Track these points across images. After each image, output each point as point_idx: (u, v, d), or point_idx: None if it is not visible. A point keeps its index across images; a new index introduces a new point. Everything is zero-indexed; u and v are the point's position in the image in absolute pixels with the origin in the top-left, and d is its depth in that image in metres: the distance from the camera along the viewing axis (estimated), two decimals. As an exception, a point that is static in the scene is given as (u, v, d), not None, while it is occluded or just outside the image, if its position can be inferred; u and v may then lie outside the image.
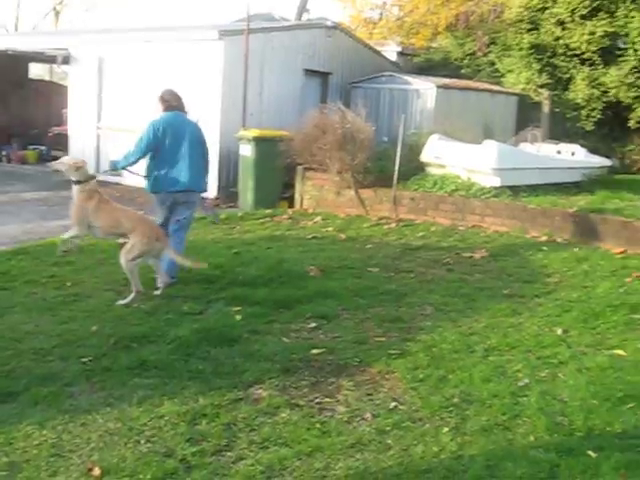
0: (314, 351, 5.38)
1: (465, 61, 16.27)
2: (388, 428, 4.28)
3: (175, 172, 6.97)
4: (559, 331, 6.03)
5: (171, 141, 6.94)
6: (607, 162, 13.00)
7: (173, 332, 5.54)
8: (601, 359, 5.41)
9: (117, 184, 12.10)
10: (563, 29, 14.77)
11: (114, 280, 7.01)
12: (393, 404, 4.62)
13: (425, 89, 13.43)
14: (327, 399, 4.66)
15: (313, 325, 6.01)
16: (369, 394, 4.76)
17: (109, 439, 4.00)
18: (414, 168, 11.37)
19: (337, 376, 5.01)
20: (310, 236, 9.60)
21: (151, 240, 6.55)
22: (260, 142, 11.42)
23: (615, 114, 15.01)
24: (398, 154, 10.72)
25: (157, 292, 6.71)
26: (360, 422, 4.36)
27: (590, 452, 4.04)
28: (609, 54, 14.85)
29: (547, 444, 4.16)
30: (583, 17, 14.55)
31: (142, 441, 3.98)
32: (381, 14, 23.60)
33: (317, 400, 4.64)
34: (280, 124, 12.53)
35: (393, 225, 10.25)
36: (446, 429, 4.29)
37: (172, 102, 7.12)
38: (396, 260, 8.39)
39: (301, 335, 5.79)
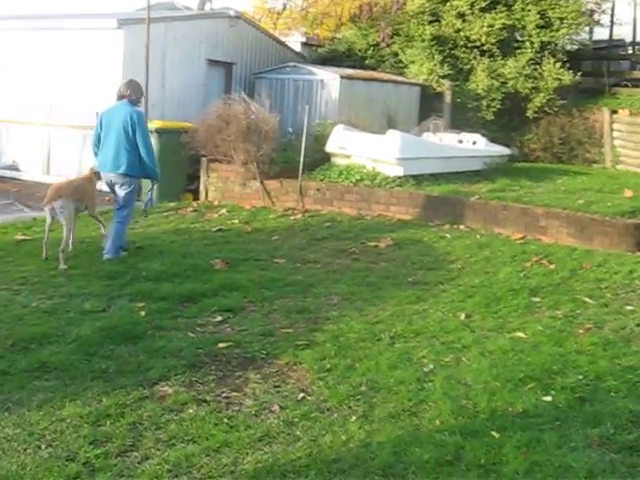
0: (220, 345, 5.32)
1: (369, 52, 16.37)
2: (296, 419, 4.27)
3: (102, 156, 7.83)
4: (462, 316, 6.17)
5: (104, 129, 7.79)
6: (507, 151, 13.38)
7: (74, 331, 5.37)
8: (503, 342, 5.57)
9: (15, 179, 11.63)
10: (463, 21, 15.09)
11: (10, 279, 6.73)
12: (301, 395, 4.61)
13: (329, 80, 13.46)
14: (234, 393, 4.61)
15: (219, 319, 5.95)
16: (277, 386, 4.74)
17: (7, 446, 3.82)
18: (319, 159, 11.40)
19: (244, 369, 4.97)
20: (215, 229, 9.48)
21: None
22: (163, 134, 11.19)
23: (514, 104, 15.45)
24: (303, 145, 10.73)
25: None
26: (268, 415, 4.33)
27: (494, 433, 4.15)
28: (507, 46, 15.29)
29: (452, 427, 4.24)
30: (482, 10, 14.92)
31: (43, 446, 3.83)
32: (285, 5, 23.51)
33: (224, 394, 4.58)
34: (183, 115, 12.32)
35: (299, 216, 10.25)
36: (354, 418, 4.32)
37: (119, 93, 7.91)
38: (302, 251, 8.40)
39: (207, 329, 5.72)
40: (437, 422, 4.32)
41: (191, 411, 4.29)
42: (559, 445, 4.06)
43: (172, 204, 10.95)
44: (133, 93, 7.88)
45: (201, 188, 11.71)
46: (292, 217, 10.35)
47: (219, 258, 7.67)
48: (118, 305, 6.13)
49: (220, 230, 9.41)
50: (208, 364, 5.01)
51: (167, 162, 11.21)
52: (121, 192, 7.83)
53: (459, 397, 4.64)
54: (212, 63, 13.92)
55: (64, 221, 7.40)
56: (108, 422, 4.10)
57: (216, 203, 11.35)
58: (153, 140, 11.11)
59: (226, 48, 14.25)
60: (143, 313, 5.90)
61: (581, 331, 5.92)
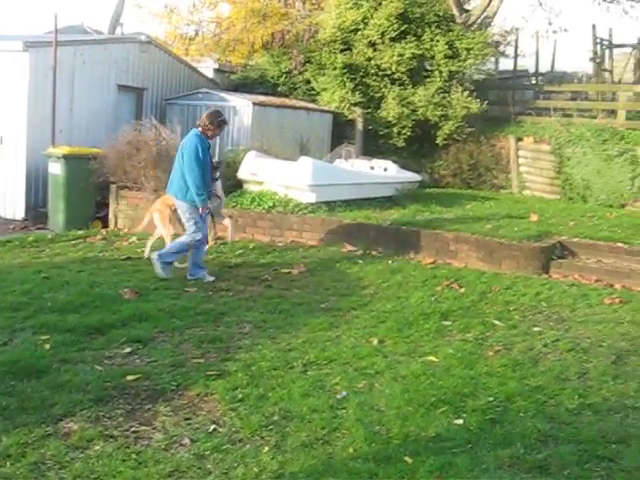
0: (129, 377, 5.15)
1: (281, 79, 16.47)
2: (207, 452, 4.17)
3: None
4: (375, 342, 6.19)
5: None
6: (417, 177, 13.63)
7: (-28, 367, 5.10)
8: (415, 366, 5.61)
9: None
10: (374, 50, 15.37)
11: None
12: (212, 427, 4.52)
13: (242, 106, 13.45)
14: (143, 427, 4.47)
15: (128, 350, 5.77)
16: (187, 418, 4.62)
17: None
18: (232, 185, 11.32)
19: (154, 402, 4.83)
20: (125, 257, 9.25)
21: None
22: (71, 160, 10.91)
23: (424, 131, 15.79)
24: (215, 171, 10.61)
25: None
26: (178, 448, 4.21)
27: (407, 458, 4.16)
28: (417, 75, 15.65)
29: (366, 454, 4.23)
30: (393, 40, 15.23)
31: None
32: (197, 31, 23.41)
33: (133, 429, 4.43)
34: (92, 141, 12.05)
35: (211, 243, 10.09)
36: (267, 448, 4.25)
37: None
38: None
39: (115, 361, 5.53)
40: (351, 450, 4.29)
41: (97, 448, 4.12)
42: (471, 468, 4.10)
43: (80, 232, 10.66)
44: (201, 121, 8.03)
45: (110, 215, 11.45)
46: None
47: (128, 287, 7.47)
48: (21, 338, 5.86)
49: (129, 258, 9.19)
50: (116, 398, 4.85)
51: (75, 189, 10.98)
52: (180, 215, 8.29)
53: (372, 423, 4.63)
54: (122, 88, 13.70)
55: None
56: (8, 463, 3.89)
57: (126, 231, 11.09)
58: (60, 166, 10.90)
59: (137, 73, 14.05)
60: (47, 346, 5.65)
61: (491, 353, 6.04)
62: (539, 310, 7.53)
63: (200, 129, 7.96)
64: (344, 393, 5.08)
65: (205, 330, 6.38)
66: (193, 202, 7.97)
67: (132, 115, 13.73)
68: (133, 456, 4.06)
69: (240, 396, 4.95)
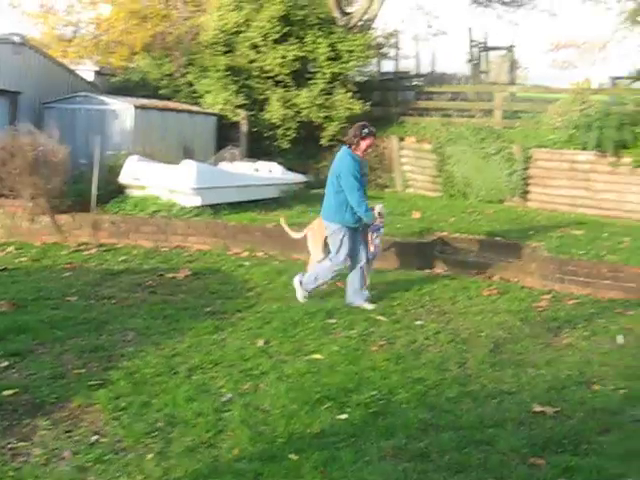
0: (6, 392, 4.98)
1: (163, 82, 16.18)
2: (89, 464, 4.10)
3: None
4: (261, 343, 6.22)
5: None
6: (303, 178, 13.73)
7: None
8: (300, 365, 5.68)
9: None
10: (257, 52, 15.36)
11: None
12: (94, 438, 4.44)
13: (123, 109, 13.16)
14: (22, 443, 4.34)
15: (5, 364, 5.57)
16: (68, 431, 4.52)
17: None
18: (114, 191, 11.08)
19: (32, 416, 4.69)
20: (1, 268, 8.88)
21: None
22: (-61, 168, 10.38)
23: (309, 133, 15.90)
24: (95, 177, 10.40)
25: None
26: (58, 462, 4.12)
27: (292, 455, 4.21)
28: (300, 77, 15.73)
29: (251, 454, 4.26)
30: (275, 42, 15.26)
31: None
32: (75, 32, 22.73)
33: (10, 446, 4.30)
34: (-37, 148, 11.48)
35: (93, 250, 9.88)
36: (150, 455, 4.21)
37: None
38: (97, 287, 8.06)
39: (-9, 377, 5.32)
40: (236, 451, 4.31)
41: (-29, 468, 3.97)
42: (355, 460, 4.19)
43: (-47, 244, 10.18)
44: (348, 137, 7.57)
45: (-14, 225, 10.96)
46: (86, 252, 9.92)
47: (5, 299, 7.20)
48: None
49: (6, 269, 8.83)
50: (-8, 414, 4.67)
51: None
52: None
53: (257, 424, 4.66)
54: (-6, 92, 13.12)
55: None
56: None
57: (3, 241, 10.63)
58: None
59: (10, 76, 13.47)
60: None
61: (374, 348, 6.17)
62: (421, 304, 7.75)
63: (348, 146, 7.50)
64: (229, 395, 5.09)
65: (87, 340, 6.23)
66: (343, 223, 7.43)
67: (6, 120, 13.16)
68: (10, 473, 3.95)
69: (123, 405, 4.88)
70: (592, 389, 5.45)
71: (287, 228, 8.66)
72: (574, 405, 5.11)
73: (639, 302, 7.88)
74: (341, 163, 7.44)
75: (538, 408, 5.00)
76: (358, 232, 7.57)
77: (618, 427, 4.76)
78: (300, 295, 7.58)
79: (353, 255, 7.54)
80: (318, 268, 7.71)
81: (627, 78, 14.85)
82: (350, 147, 7.46)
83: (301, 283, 7.61)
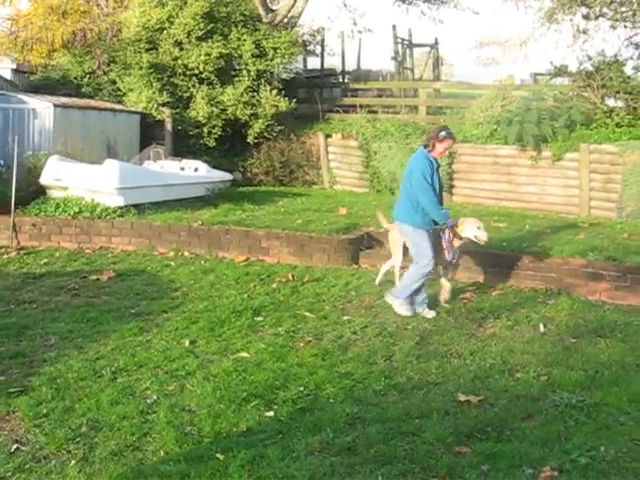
0: None
1: (85, 80, 15.83)
2: (9, 474, 4.01)
3: None
4: (187, 343, 6.16)
5: None
6: (229, 176, 13.61)
7: None
8: (227, 364, 5.64)
9: None
10: (181, 50, 15.17)
11: None
12: (14, 446, 4.33)
13: (42, 108, 12.79)
14: (-64, 457, 4.18)
15: None
16: (-14, 440, 4.37)
17: None
18: (35, 192, 10.78)
19: (-51, 426, 4.53)
20: None
21: None
22: None
23: (235, 130, 15.80)
24: (14, 178, 10.07)
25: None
26: (-25, 474, 3.97)
27: (218, 455, 4.19)
28: (226, 74, 15.61)
29: (177, 456, 4.21)
30: (199, 39, 15.11)
31: None
32: (-9, 28, 22.01)
33: None
34: None
35: (13, 254, 9.58)
36: (73, 462, 4.14)
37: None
38: (17, 291, 7.83)
39: None
40: (162, 453, 4.26)
41: None
42: (282, 457, 4.19)
43: None
44: (427, 138, 7.42)
45: None
46: (5, 256, 9.59)
47: None
48: None
49: None
50: None
51: None
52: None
53: (184, 424, 4.61)
54: None
55: None
56: None
57: None
58: None
59: None
60: None
61: (302, 344, 6.18)
62: (348, 299, 7.79)
63: (425, 147, 7.28)
64: (154, 397, 5.03)
65: (6, 346, 6.05)
66: (419, 225, 7.18)
67: None
68: None
69: (45, 411, 4.77)
70: (515, 377, 5.58)
71: (381, 217, 8.43)
72: (498, 393, 5.22)
73: (560, 291, 8.12)
74: (415, 163, 7.29)
75: (463, 397, 5.09)
76: (430, 235, 7.28)
77: (539, 412, 4.89)
78: (402, 309, 7.25)
79: (431, 258, 7.21)
80: (405, 277, 7.40)
81: (547, 74, 15.24)
82: (427, 148, 7.29)
83: (394, 296, 7.35)
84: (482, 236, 7.40)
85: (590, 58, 13.61)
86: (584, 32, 12.88)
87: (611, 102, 13.56)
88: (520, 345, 6.35)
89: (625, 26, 12.76)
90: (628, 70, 13.44)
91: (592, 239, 9.42)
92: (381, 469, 4.10)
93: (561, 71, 14.39)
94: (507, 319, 7.13)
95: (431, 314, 7.24)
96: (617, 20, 12.59)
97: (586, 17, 12.73)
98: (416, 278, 7.21)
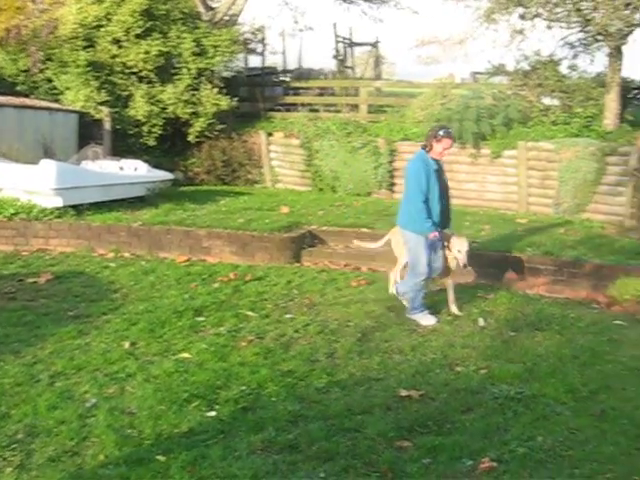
0: None
1: (20, 78, 15.44)
2: (-59, 483, 3.86)
3: None
4: (127, 345, 6.07)
5: None
6: (170, 176, 13.47)
7: None
8: (167, 365, 5.59)
9: None
10: (119, 47, 14.94)
11: None
12: (-54, 455, 4.18)
13: (-25, 108, 12.48)
14: None
15: None
16: None
17: None
18: (-33, 193, 10.47)
19: None
20: None
21: None
22: None
23: (176, 129, 15.64)
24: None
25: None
26: None
27: (159, 457, 4.15)
28: (165, 72, 15.43)
29: (117, 459, 4.16)
30: (138, 37, 14.90)
31: None
32: None
33: None
34: None
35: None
36: (9, 469, 4.05)
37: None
38: (-52, 297, 7.62)
39: None
40: (101, 457, 4.20)
41: None
42: (224, 457, 4.18)
43: None
44: (425, 138, 7.11)
45: None
46: (-63, 260, 9.34)
47: None
48: None
49: None
50: None
51: None
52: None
53: (124, 427, 4.55)
54: None
55: None
56: None
57: None
58: None
59: None
60: None
61: (244, 344, 6.16)
62: (291, 298, 7.80)
63: (423, 148, 7.03)
64: (93, 400, 4.95)
65: (-62, 352, 5.87)
66: (416, 231, 6.97)
67: None
68: None
69: (-21, 419, 4.63)
70: (455, 371, 5.68)
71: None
72: (438, 387, 5.30)
73: (499, 286, 8.28)
74: (409, 165, 7.13)
75: (404, 392, 5.15)
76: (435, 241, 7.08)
77: (479, 405, 4.98)
78: (426, 320, 7.02)
79: (425, 267, 7.05)
80: (405, 288, 7.25)
81: (486, 73, 15.51)
82: (425, 149, 7.06)
83: (409, 310, 7.19)
84: (461, 259, 7.24)
85: (527, 57, 13.89)
86: (521, 32, 13.09)
87: (547, 101, 13.87)
88: (460, 339, 6.46)
89: (560, 26, 13.04)
90: (563, 69, 13.78)
91: (530, 235, 9.63)
92: (323, 466, 4.12)
93: (499, 70, 14.64)
94: (447, 314, 7.24)
95: (430, 322, 7.08)
96: (552, 20, 12.85)
97: (522, 17, 12.96)
98: (415, 287, 7.08)
